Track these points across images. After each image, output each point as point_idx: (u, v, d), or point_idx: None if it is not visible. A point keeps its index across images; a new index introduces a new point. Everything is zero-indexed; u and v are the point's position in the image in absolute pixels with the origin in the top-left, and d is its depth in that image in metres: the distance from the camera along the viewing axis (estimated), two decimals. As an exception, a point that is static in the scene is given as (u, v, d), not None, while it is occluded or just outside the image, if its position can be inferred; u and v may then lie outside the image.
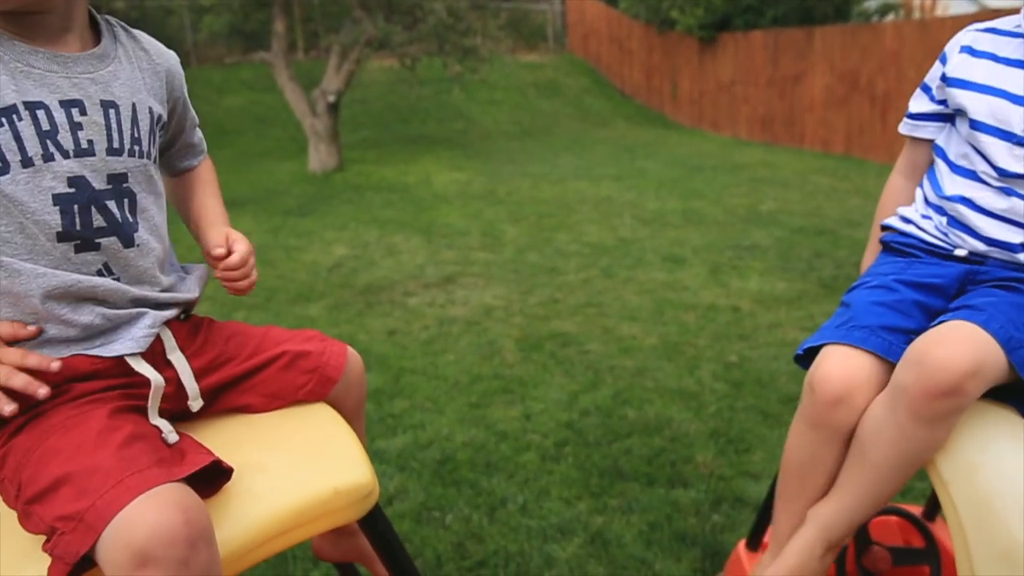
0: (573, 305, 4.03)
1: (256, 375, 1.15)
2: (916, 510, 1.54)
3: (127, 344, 1.01)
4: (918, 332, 1.07)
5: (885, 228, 1.27)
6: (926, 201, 1.18)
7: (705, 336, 3.54)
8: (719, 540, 2.09)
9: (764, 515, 1.58)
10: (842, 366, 1.05)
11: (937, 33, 8.61)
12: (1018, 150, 1.06)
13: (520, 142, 11.55)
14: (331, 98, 8.89)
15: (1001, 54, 1.11)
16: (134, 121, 1.05)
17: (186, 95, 1.25)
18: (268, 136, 11.56)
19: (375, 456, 2.58)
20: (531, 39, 16.50)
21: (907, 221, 1.22)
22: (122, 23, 1.14)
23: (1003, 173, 1.08)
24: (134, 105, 1.06)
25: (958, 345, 0.93)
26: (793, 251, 5.01)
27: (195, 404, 1.10)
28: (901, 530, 1.51)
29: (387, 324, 3.86)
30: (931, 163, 1.23)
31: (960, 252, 1.13)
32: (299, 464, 1.04)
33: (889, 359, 1.04)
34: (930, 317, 1.10)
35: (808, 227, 5.65)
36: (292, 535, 0.96)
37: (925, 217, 1.18)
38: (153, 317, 1.05)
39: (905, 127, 1.27)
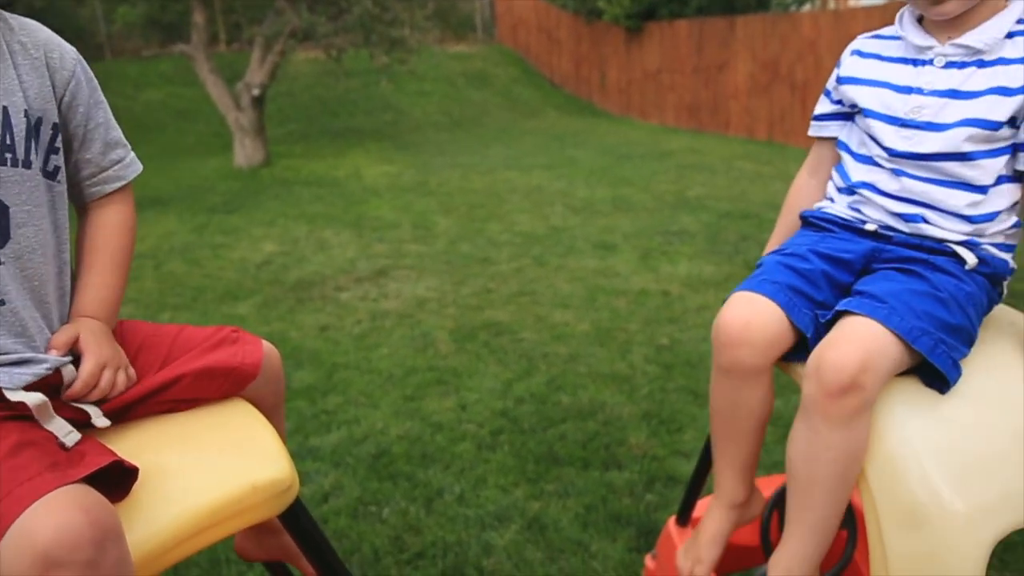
0: (506, 294, 4.05)
1: (166, 391, 1.09)
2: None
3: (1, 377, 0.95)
4: (822, 304, 1.14)
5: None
6: (837, 189, 1.29)
7: (636, 321, 3.61)
8: (653, 519, 2.14)
9: (692, 491, 1.62)
10: (741, 310, 1.13)
11: (850, 23, 8.91)
12: (904, 131, 1.17)
13: (450, 133, 11.50)
14: (256, 91, 8.67)
15: (885, 54, 1.25)
16: (5, 125, 0.96)
17: (94, 98, 1.11)
18: (190, 131, 11.21)
19: (309, 453, 2.55)
20: (459, 29, 16.42)
21: (825, 199, 1.33)
22: None
23: (892, 152, 1.18)
24: (4, 108, 0.97)
25: (847, 346, 1.00)
26: (720, 235, 5.14)
27: (99, 422, 1.03)
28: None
29: (319, 320, 3.81)
30: (836, 159, 1.33)
31: (870, 227, 1.21)
32: (214, 462, 1.02)
33: (790, 315, 1.11)
34: (836, 289, 1.17)
35: (734, 211, 5.80)
36: (209, 534, 0.94)
37: (839, 197, 1.25)
38: (34, 371, 0.97)
39: (812, 129, 1.38)
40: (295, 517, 1.07)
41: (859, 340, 1.00)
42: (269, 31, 8.65)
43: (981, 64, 1.13)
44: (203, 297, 4.25)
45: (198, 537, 0.93)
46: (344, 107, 12.59)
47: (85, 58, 1.13)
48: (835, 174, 1.31)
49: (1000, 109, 1.10)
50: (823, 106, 1.35)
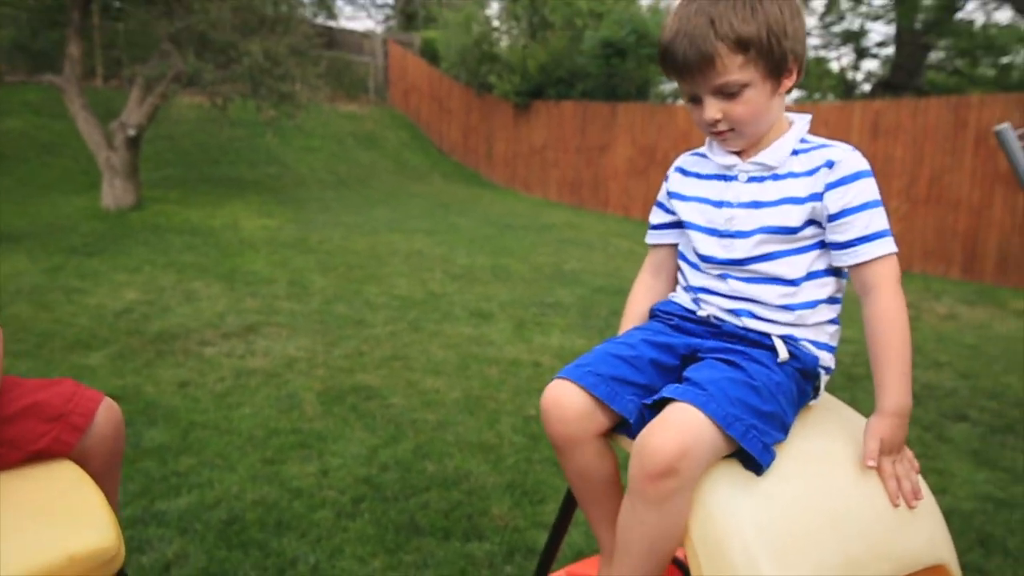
0: (379, 358, 4.01)
1: None
2: (681, 553, 1.67)
3: None
4: (647, 387, 1.24)
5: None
6: (682, 288, 1.44)
7: (507, 390, 3.65)
8: (510, 591, 2.14)
9: (545, 563, 1.64)
10: (559, 394, 1.24)
11: (720, 118, 9.65)
12: (723, 240, 1.32)
13: (335, 191, 11.41)
14: (131, 131, 8.33)
15: (703, 172, 1.40)
16: None
17: None
18: (54, 166, 10.57)
19: (153, 518, 2.39)
20: (352, 90, 16.51)
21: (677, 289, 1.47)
22: None
23: (713, 261, 1.33)
24: None
25: (668, 432, 1.09)
26: (593, 309, 5.32)
27: None
28: (669, 573, 1.63)
29: (179, 375, 3.62)
30: (674, 262, 1.48)
31: (703, 312, 1.33)
32: (27, 526, 0.94)
33: (612, 405, 1.21)
34: (664, 372, 1.28)
35: (608, 287, 6.04)
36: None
37: (683, 294, 1.41)
38: None
39: (650, 237, 1.51)
40: (117, 592, 1.00)
41: (678, 427, 1.09)
42: (152, 72, 8.40)
43: (776, 177, 1.30)
44: (49, 344, 3.96)
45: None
46: (226, 156, 12.28)
47: None
48: (680, 276, 1.45)
49: (792, 216, 1.26)
50: (658, 216, 1.48)
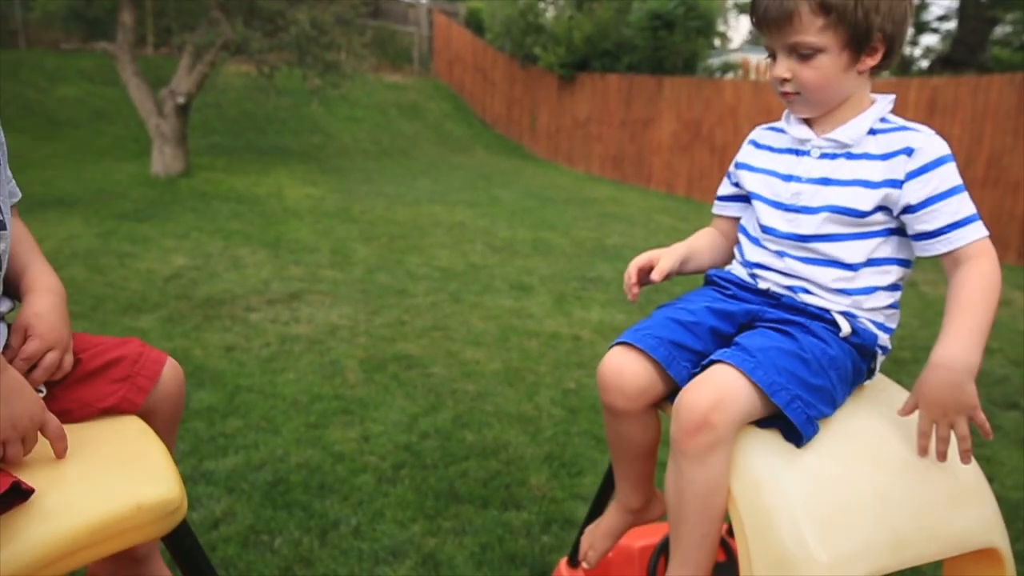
0: (419, 328, 4.05)
1: (60, 383, 1.08)
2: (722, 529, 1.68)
3: None
4: (703, 354, 1.23)
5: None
6: (738, 263, 1.42)
7: (546, 363, 3.67)
8: (547, 560, 2.17)
9: (581, 536, 1.66)
10: (618, 362, 1.24)
11: (769, 94, 9.43)
12: (787, 215, 1.30)
13: (378, 161, 11.47)
14: (181, 99, 8.46)
15: (775, 145, 1.39)
16: None
17: None
18: (106, 133, 10.80)
19: (202, 477, 2.47)
20: (396, 60, 16.50)
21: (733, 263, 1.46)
22: None
23: (775, 234, 1.32)
24: None
25: (701, 387, 1.11)
26: (633, 285, 5.29)
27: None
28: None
29: (225, 340, 3.71)
30: (734, 234, 1.47)
31: (763, 284, 1.33)
32: (99, 477, 0.99)
33: (668, 368, 1.21)
34: (720, 340, 1.27)
35: (648, 263, 5.99)
36: (87, 553, 0.91)
37: (739, 268, 1.39)
38: None
39: (715, 208, 1.51)
40: (180, 540, 1.04)
41: (714, 383, 1.10)
42: (201, 40, 8.49)
43: (849, 156, 1.27)
44: (103, 307, 4.08)
45: (75, 556, 0.89)
46: (272, 125, 12.41)
47: None
48: (736, 252, 1.44)
49: (863, 199, 1.23)
50: (725, 188, 1.48)
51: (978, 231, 1.20)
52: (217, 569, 2.02)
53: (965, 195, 1.21)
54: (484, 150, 13.71)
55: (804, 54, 1.21)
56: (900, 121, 1.26)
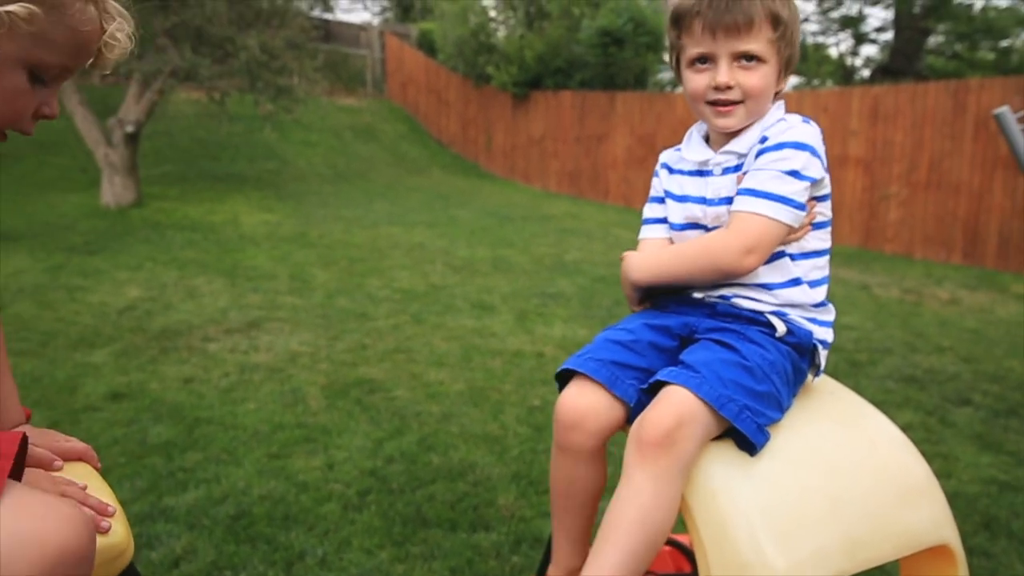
0: (382, 351, 4.02)
1: None
2: (685, 539, 1.68)
3: None
4: (647, 370, 1.25)
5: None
6: None
7: (510, 381, 3.66)
8: (517, 581, 2.15)
9: (549, 555, 1.65)
10: (575, 396, 1.23)
11: (718, 106, 9.63)
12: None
13: (334, 185, 11.40)
14: (130, 128, 8.32)
15: (685, 168, 1.39)
16: None
17: None
18: (52, 164, 10.56)
19: (161, 514, 2.41)
20: (350, 83, 16.46)
21: None
22: None
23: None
24: None
25: (665, 407, 1.11)
26: (594, 299, 5.32)
27: None
28: (672, 558, 1.65)
29: (183, 371, 3.63)
30: None
31: (697, 295, 1.35)
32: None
33: (612, 389, 1.22)
34: (662, 354, 1.29)
35: (609, 276, 6.04)
36: None
37: None
38: None
39: (646, 231, 1.45)
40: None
41: (674, 404, 1.11)
42: (149, 67, 8.37)
43: (741, 167, 1.30)
44: (53, 343, 3.97)
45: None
46: (225, 152, 12.26)
47: None
48: None
49: None
50: (654, 211, 1.44)
51: (762, 207, 1.21)
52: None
53: (789, 179, 1.21)
54: (441, 170, 13.72)
55: (751, 59, 1.24)
56: (786, 116, 1.29)
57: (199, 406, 3.24)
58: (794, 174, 1.21)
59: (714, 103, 1.27)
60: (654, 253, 1.36)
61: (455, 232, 7.85)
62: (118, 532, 0.97)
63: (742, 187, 1.24)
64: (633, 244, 1.50)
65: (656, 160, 1.49)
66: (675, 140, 1.50)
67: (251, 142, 12.57)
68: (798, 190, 1.22)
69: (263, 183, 10.84)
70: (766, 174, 1.22)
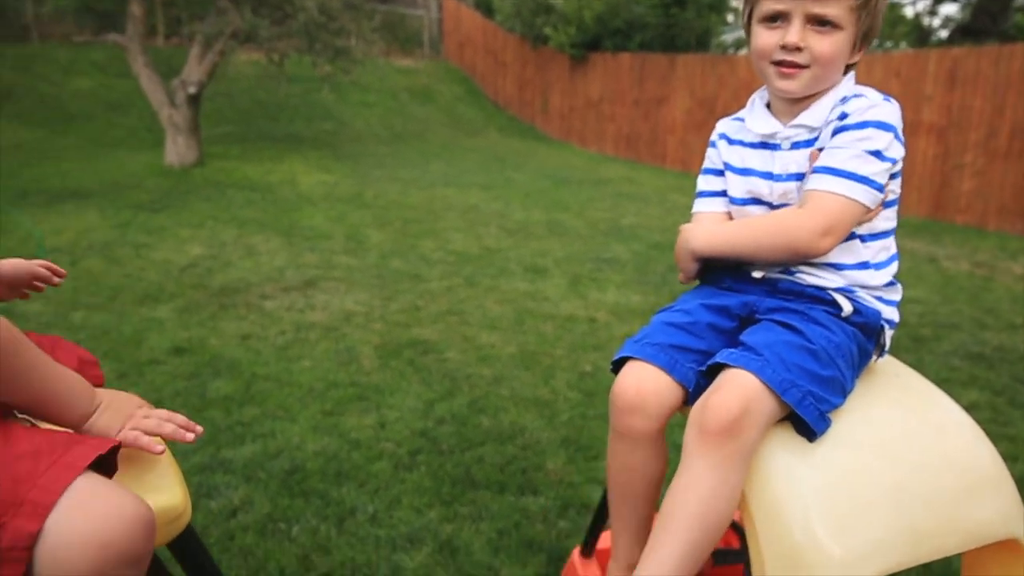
0: (435, 313, 4.04)
1: None
2: (735, 515, 1.66)
3: None
4: (706, 352, 1.19)
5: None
6: None
7: (562, 346, 3.65)
8: (564, 545, 2.16)
9: (596, 522, 1.64)
10: (635, 379, 1.18)
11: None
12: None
13: (390, 146, 11.45)
14: (192, 89, 8.47)
15: (746, 139, 1.32)
16: None
17: None
18: (120, 124, 10.85)
19: (220, 466, 2.48)
20: (406, 44, 16.42)
21: None
22: None
23: None
24: None
25: (729, 392, 1.05)
26: (649, 265, 5.25)
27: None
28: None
29: (241, 328, 3.72)
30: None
31: (757, 274, 1.28)
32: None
33: (672, 373, 1.17)
34: (721, 336, 1.23)
35: (664, 242, 5.94)
36: None
37: None
38: None
39: (700, 205, 1.39)
40: (183, 548, 1.02)
41: (739, 388, 1.06)
42: (210, 29, 8.48)
43: (813, 142, 1.22)
44: (121, 297, 4.10)
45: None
46: (284, 112, 12.40)
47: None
48: None
49: None
50: (710, 183, 1.38)
51: (842, 187, 1.14)
52: (235, 557, 2.03)
53: (871, 160, 1.15)
54: (497, 132, 13.64)
55: (825, 24, 1.17)
56: (858, 90, 1.22)
57: (256, 362, 3.32)
58: (876, 154, 1.15)
59: (779, 63, 1.21)
60: (719, 224, 1.30)
61: (510, 195, 7.81)
62: (176, 495, 0.99)
63: (820, 165, 1.17)
64: (688, 209, 1.44)
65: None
66: (737, 104, 1.42)
67: (309, 103, 12.69)
68: (879, 171, 1.15)
69: (320, 144, 10.95)
70: (847, 153, 1.15)
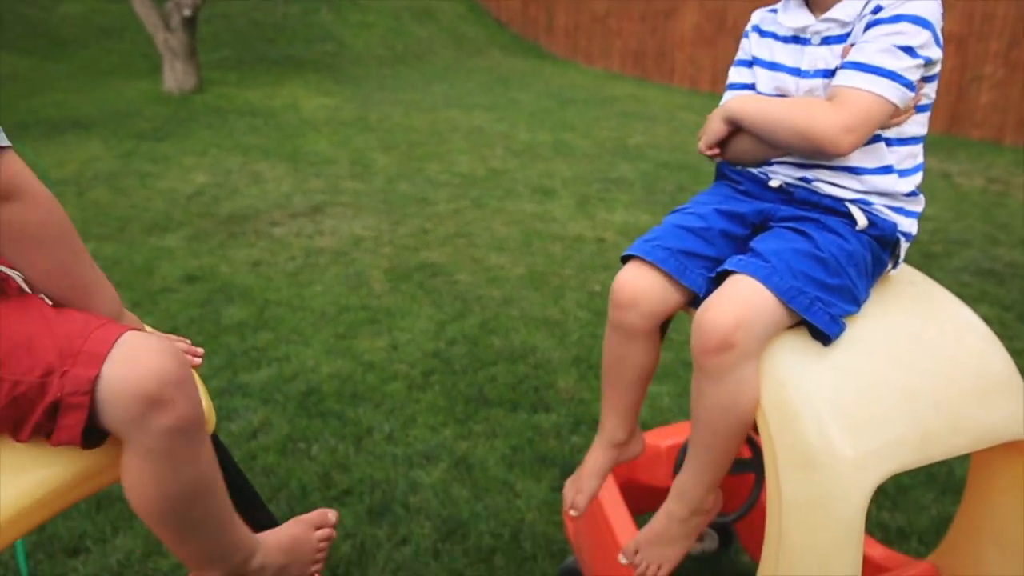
0: (443, 236, 4.04)
1: None
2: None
3: None
4: (716, 259, 1.20)
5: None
6: None
7: (571, 266, 3.66)
8: (577, 460, 2.22)
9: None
10: (633, 277, 1.20)
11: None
12: None
13: (392, 68, 11.20)
14: (187, 12, 8.24)
15: (779, 32, 1.27)
16: None
17: None
18: (115, 50, 10.61)
19: (238, 389, 2.53)
20: (405, -41, 15.85)
21: None
22: None
23: None
24: None
25: (725, 305, 1.07)
26: (658, 184, 5.20)
27: None
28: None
29: (251, 255, 3.74)
30: None
31: (774, 183, 1.27)
32: None
33: (681, 279, 1.18)
34: (733, 243, 1.23)
35: (672, 162, 5.87)
36: (115, 470, 0.94)
37: None
38: None
39: (731, 98, 1.34)
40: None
41: (736, 300, 1.06)
42: (202, -52, 8.19)
43: (844, 38, 1.17)
44: (129, 228, 4.11)
45: (106, 473, 0.93)
46: (282, 34, 12.09)
47: None
48: None
49: None
50: (740, 75, 1.35)
51: (870, 83, 1.10)
52: (258, 476, 2.09)
53: (902, 55, 1.10)
54: (500, 52, 13.31)
55: None
56: None
57: (268, 288, 3.34)
58: (908, 50, 1.10)
59: None
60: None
61: (515, 115, 7.68)
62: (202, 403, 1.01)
63: (848, 60, 1.13)
64: (697, 127, 1.42)
65: (727, 39, 1.38)
66: (748, 15, 1.37)
67: (308, 24, 12.35)
68: (910, 67, 1.10)
69: (321, 66, 10.72)
70: (876, 46, 1.10)
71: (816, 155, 1.18)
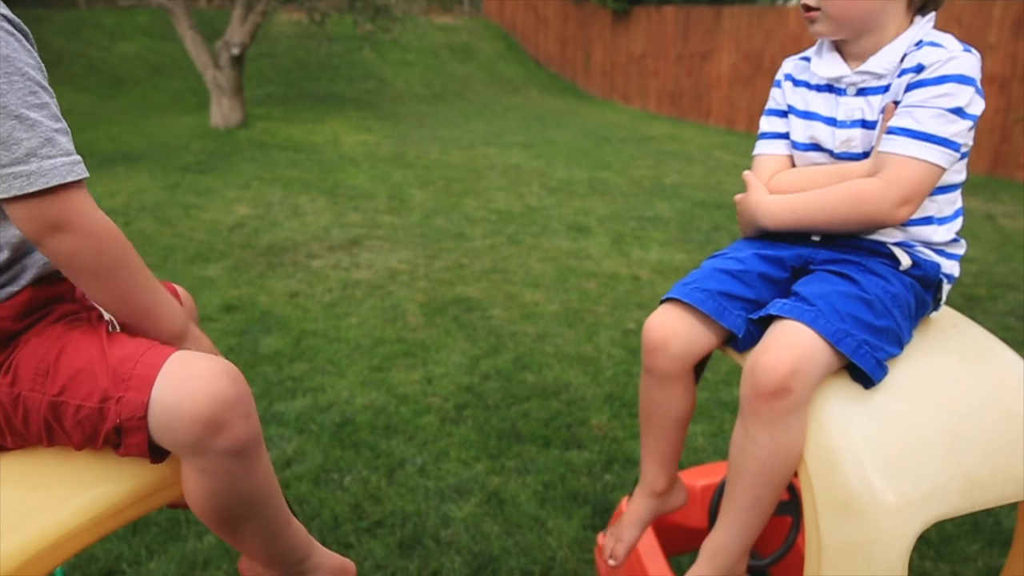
0: (478, 271, 4.07)
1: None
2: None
3: None
4: (755, 301, 1.19)
5: None
6: None
7: (605, 303, 3.65)
8: (609, 498, 2.19)
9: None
10: (663, 320, 1.20)
11: (835, 19, 8.97)
12: (836, 162, 1.24)
13: (431, 105, 11.41)
14: (235, 50, 8.52)
15: (812, 81, 1.27)
16: None
17: None
18: (166, 87, 10.99)
19: (273, 418, 2.56)
20: (446, 1, 16.24)
21: None
22: None
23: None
24: None
25: (780, 350, 1.05)
26: (693, 223, 5.19)
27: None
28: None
29: (289, 286, 3.80)
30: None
31: (816, 237, 1.25)
32: None
33: (720, 320, 1.17)
34: (772, 286, 1.22)
35: (708, 200, 5.86)
36: (156, 498, 0.96)
37: None
38: None
39: (762, 147, 1.35)
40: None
41: (790, 345, 1.05)
42: (252, -10, 8.48)
43: (882, 90, 1.17)
44: (173, 257, 4.21)
45: (146, 500, 0.95)
46: (325, 72, 12.42)
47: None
48: None
49: None
50: (772, 124, 1.34)
51: (922, 151, 1.09)
52: (291, 506, 2.10)
53: (953, 119, 1.08)
54: (538, 90, 13.49)
55: None
56: (937, 37, 1.14)
57: (305, 319, 3.39)
58: (958, 112, 1.09)
59: (805, 7, 1.20)
60: (788, 196, 1.23)
61: (552, 153, 7.75)
62: None
63: (896, 125, 1.11)
64: (733, 167, 1.43)
65: (764, 80, 1.39)
66: (785, 57, 1.38)
67: (350, 63, 12.68)
68: (961, 131, 1.10)
69: (362, 103, 10.96)
70: (927, 112, 1.09)
71: (872, 230, 1.18)
